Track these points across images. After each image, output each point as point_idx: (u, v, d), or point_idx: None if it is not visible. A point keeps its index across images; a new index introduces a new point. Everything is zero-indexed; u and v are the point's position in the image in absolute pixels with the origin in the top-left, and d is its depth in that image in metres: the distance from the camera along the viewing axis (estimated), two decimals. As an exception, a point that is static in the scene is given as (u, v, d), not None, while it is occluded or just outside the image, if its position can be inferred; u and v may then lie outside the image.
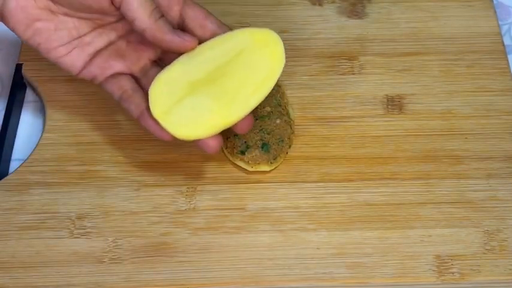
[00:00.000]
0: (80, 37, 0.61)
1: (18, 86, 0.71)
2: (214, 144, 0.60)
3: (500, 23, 0.75)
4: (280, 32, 0.60)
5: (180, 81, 0.59)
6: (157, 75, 0.60)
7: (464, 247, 0.61)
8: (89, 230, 0.62)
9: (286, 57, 0.59)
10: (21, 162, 0.66)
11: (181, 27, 0.61)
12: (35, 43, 0.60)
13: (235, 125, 0.60)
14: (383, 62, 0.72)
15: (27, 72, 0.71)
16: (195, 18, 0.60)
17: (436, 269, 0.60)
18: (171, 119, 0.58)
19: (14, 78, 0.72)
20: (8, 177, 0.65)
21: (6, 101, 0.70)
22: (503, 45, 0.73)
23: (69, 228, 0.62)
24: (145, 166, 0.65)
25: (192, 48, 0.59)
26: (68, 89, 0.70)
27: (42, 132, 0.68)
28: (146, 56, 0.62)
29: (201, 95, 0.59)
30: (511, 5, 0.79)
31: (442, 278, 0.59)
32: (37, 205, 0.63)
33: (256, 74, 0.59)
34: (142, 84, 0.62)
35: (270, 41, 0.60)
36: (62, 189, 0.64)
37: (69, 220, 0.62)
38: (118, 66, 0.62)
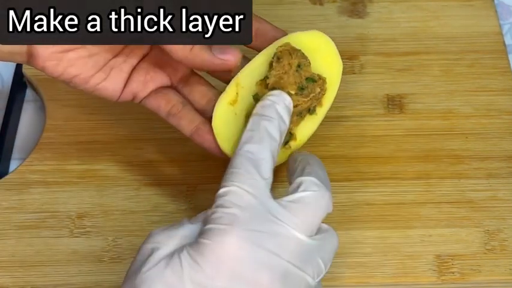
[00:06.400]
0: (114, 57, 0.56)
1: (19, 85, 0.71)
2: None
3: (501, 22, 0.75)
4: (280, 31, 0.60)
5: (240, 105, 0.56)
6: (216, 106, 0.56)
7: (465, 247, 0.61)
8: (88, 229, 0.62)
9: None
10: (21, 161, 0.66)
11: None
12: (69, 76, 0.55)
13: None
14: (383, 62, 0.71)
15: (27, 71, 0.71)
16: None
17: (436, 269, 0.60)
18: None
19: (14, 77, 0.72)
20: (8, 176, 0.65)
21: (6, 100, 0.70)
22: (504, 44, 0.73)
23: (69, 228, 0.62)
24: (145, 165, 0.65)
25: (236, 65, 0.54)
26: (68, 88, 0.69)
27: (42, 131, 0.68)
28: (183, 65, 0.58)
29: None
30: (512, 5, 0.79)
31: (443, 277, 0.59)
32: (37, 204, 0.63)
33: None
34: (184, 95, 0.58)
35: (320, 45, 0.58)
36: (61, 188, 0.64)
37: (69, 219, 0.62)
38: (160, 77, 0.58)
